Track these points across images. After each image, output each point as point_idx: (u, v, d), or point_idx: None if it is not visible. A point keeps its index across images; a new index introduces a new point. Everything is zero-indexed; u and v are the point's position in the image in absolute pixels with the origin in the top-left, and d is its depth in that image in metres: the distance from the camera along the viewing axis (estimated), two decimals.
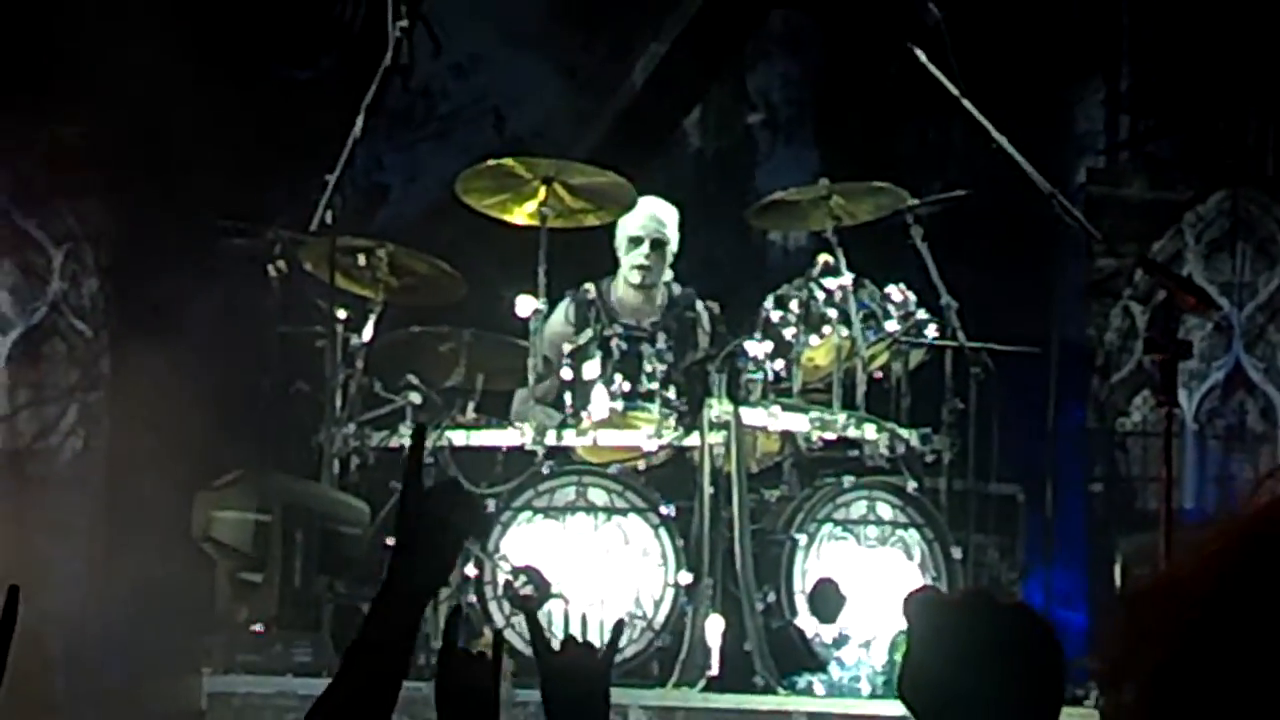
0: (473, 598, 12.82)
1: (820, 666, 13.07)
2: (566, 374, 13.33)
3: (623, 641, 12.56)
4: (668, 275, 14.12)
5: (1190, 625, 2.51)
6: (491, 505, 13.00)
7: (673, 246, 14.14)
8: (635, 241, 14.03)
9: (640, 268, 14.01)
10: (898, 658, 12.86)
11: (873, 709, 12.61)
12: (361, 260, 13.55)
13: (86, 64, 14.14)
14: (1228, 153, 16.06)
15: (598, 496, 13.13)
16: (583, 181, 13.59)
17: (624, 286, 14.14)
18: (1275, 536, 2.54)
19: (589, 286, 14.22)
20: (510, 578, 12.86)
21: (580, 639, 6.12)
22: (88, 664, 11.76)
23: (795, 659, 13.06)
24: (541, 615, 12.69)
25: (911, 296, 13.59)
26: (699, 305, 14.26)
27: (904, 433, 13.61)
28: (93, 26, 14.07)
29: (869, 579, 13.23)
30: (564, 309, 14.12)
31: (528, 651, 12.44)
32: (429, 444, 13.31)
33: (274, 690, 12.46)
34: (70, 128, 14.33)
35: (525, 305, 13.38)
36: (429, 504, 5.41)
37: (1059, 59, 16.44)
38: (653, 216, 14.10)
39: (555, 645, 5.85)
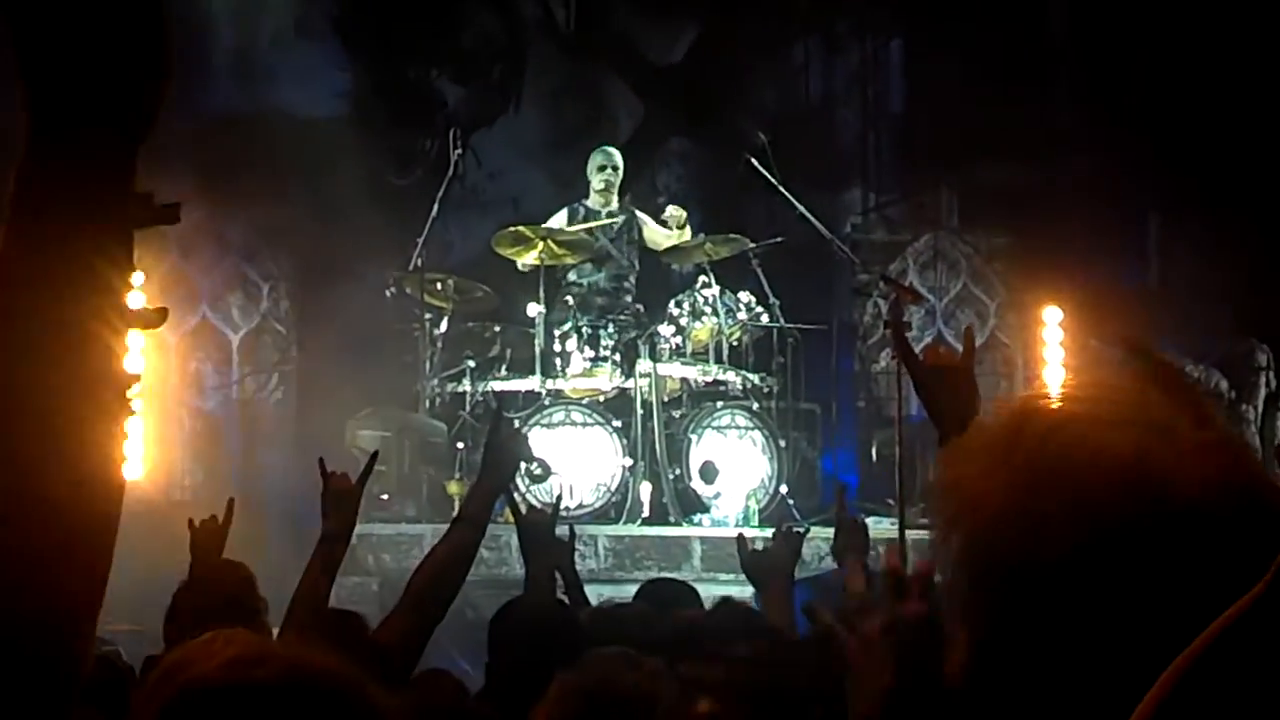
0: None
1: (705, 510, 13.05)
2: (557, 346, 13.33)
3: (590, 498, 12.73)
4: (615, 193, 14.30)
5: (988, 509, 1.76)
6: (518, 422, 13.00)
7: (620, 171, 14.25)
8: (600, 168, 14.13)
9: (603, 180, 14.10)
10: (751, 503, 12.93)
11: (733, 533, 12.53)
12: (439, 286, 13.50)
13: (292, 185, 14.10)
14: (929, 215, 16.04)
15: (577, 416, 13.09)
16: (563, 239, 13.57)
17: (593, 195, 14.15)
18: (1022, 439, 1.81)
19: (576, 205, 14.18)
20: (528, 464, 12.85)
21: (539, 505, 6.39)
22: (291, 515, 11.70)
23: (691, 506, 13.04)
24: (546, 485, 12.74)
25: (753, 298, 13.57)
26: (636, 211, 14.35)
27: (751, 375, 13.61)
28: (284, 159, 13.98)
29: (732, 459, 13.21)
30: (564, 213, 14.11)
31: (537, 505, 12.52)
32: (481, 389, 13.37)
33: (393, 532, 12.44)
34: (273, 211, 14.24)
35: (532, 308, 13.36)
36: (502, 439, 5.57)
37: (834, 166, 16.39)
38: (607, 153, 14.27)
39: (524, 509, 6.07)
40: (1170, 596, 1.68)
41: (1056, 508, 1.73)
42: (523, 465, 12.62)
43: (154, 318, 1.83)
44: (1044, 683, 1.74)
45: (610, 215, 14.11)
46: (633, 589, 11.04)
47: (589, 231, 13.90)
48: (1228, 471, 1.73)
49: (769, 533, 12.40)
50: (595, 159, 14.25)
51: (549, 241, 13.41)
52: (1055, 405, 1.83)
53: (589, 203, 14.18)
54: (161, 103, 1.77)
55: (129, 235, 1.75)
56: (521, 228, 13.49)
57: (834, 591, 10.59)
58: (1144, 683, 1.58)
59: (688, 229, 13.92)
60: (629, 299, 14.04)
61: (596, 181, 14.14)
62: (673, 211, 13.96)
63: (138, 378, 1.76)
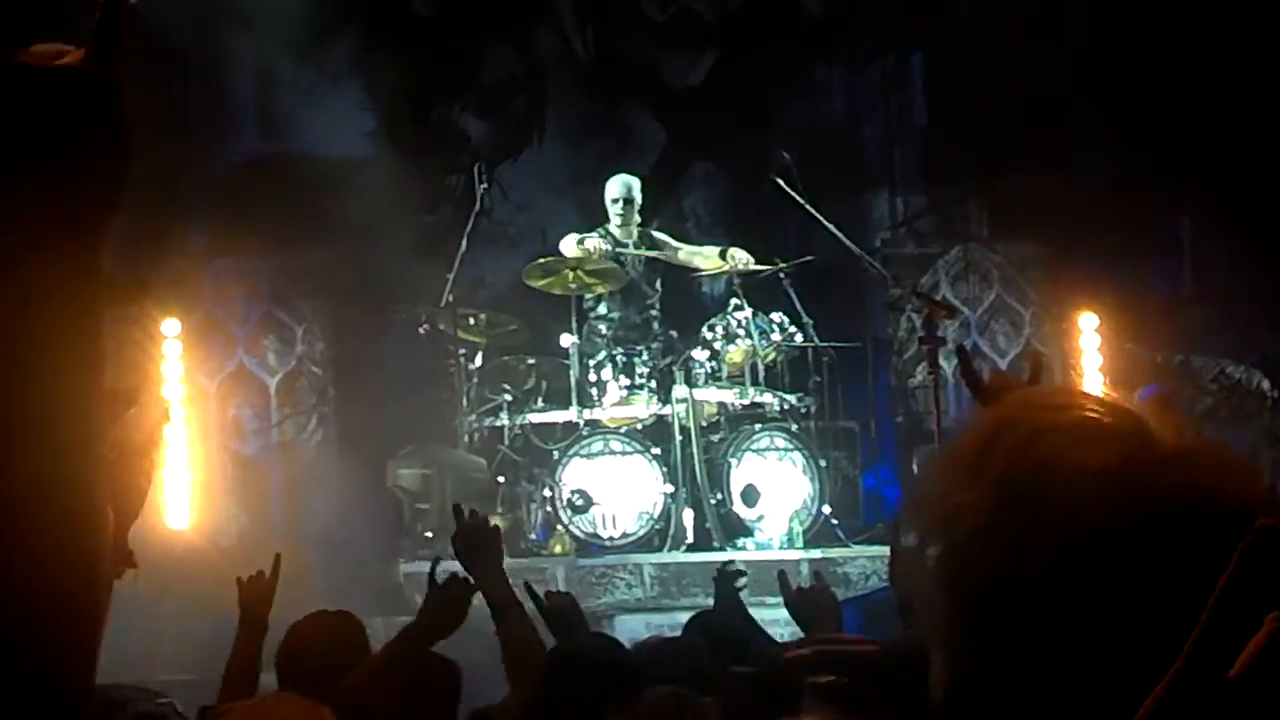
0: (549, 508, 12.88)
1: (749, 533, 13.08)
2: (592, 376, 13.37)
3: (633, 526, 12.78)
4: (637, 219, 14.07)
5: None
6: (557, 454, 13.08)
7: (638, 202, 14.04)
8: (613, 200, 13.94)
9: (620, 214, 13.91)
10: (794, 525, 12.95)
11: (779, 556, 12.54)
12: (471, 321, 13.58)
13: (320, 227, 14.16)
14: (959, 226, 16.03)
15: (616, 445, 13.14)
16: (593, 268, 13.60)
17: (613, 225, 13.93)
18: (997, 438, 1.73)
19: (604, 230, 13.97)
20: (570, 494, 12.90)
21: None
22: (337, 557, 11.74)
23: (735, 530, 13.06)
24: (588, 516, 12.83)
25: (785, 319, 13.61)
26: (655, 235, 14.20)
27: (788, 396, 13.64)
28: (310, 202, 14.03)
29: (774, 481, 13.24)
30: (588, 236, 13.85)
31: (581, 536, 12.59)
32: (519, 422, 13.41)
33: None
34: (303, 254, 14.35)
35: (566, 339, 13.42)
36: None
37: (861, 182, 16.44)
38: (625, 184, 14.07)
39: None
40: (1155, 609, 1.62)
41: (1038, 521, 1.67)
42: (564, 493, 12.74)
43: (129, 398, 1.86)
44: (1028, 702, 1.67)
45: (635, 245, 14.07)
46: (682, 616, 11.07)
47: (618, 260, 13.85)
48: (1209, 479, 1.69)
49: (814, 554, 12.52)
50: (609, 190, 14.09)
51: (579, 271, 13.45)
52: (1027, 416, 1.76)
53: (613, 229, 14.09)
54: (122, 187, 1.78)
55: (99, 321, 1.77)
56: (552, 259, 13.53)
57: (881, 611, 10.61)
58: (1129, 699, 1.55)
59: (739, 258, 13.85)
60: (657, 326, 14.02)
61: (613, 213, 14.02)
62: (737, 254, 13.84)
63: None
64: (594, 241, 13.65)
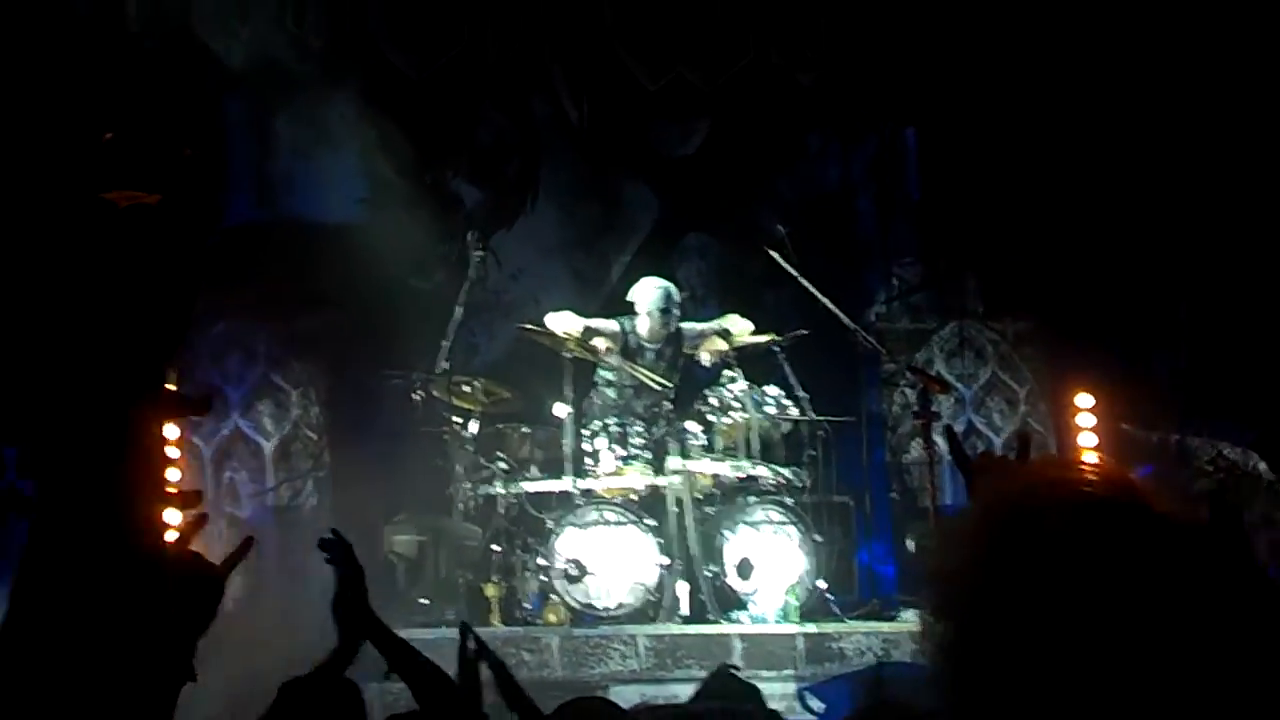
0: (544, 577, 12.97)
1: (744, 606, 13.18)
2: (587, 446, 13.51)
3: (628, 597, 12.87)
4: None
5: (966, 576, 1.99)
6: (550, 523, 13.19)
7: (676, 314, 14.25)
8: (662, 310, 14.18)
9: (665, 321, 14.15)
10: (790, 599, 13.07)
11: (774, 630, 12.71)
12: (466, 388, 13.70)
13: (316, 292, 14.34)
14: (954, 302, 16.13)
15: (610, 515, 13.25)
16: (585, 337, 13.75)
17: (647, 325, 14.19)
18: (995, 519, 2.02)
19: (629, 325, 14.28)
20: (565, 564, 13.00)
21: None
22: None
23: (729, 603, 13.17)
24: (582, 586, 12.92)
25: (780, 392, 13.75)
26: (682, 328, 14.37)
27: (782, 470, 13.77)
28: (307, 267, 14.21)
29: (768, 554, 13.35)
30: (616, 325, 14.24)
31: (575, 606, 12.64)
32: (513, 491, 13.53)
33: (434, 637, 12.46)
34: (299, 319, 14.53)
35: (560, 409, 13.55)
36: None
37: (855, 255, 16.57)
38: (666, 293, 14.25)
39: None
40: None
41: (1028, 585, 1.97)
42: (559, 563, 12.86)
43: (185, 500, 2.33)
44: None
45: (659, 354, 14.25)
46: (676, 688, 11.21)
47: (631, 361, 14.04)
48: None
49: (810, 628, 12.64)
50: (649, 296, 14.25)
51: (575, 344, 13.64)
52: (1017, 494, 2.04)
53: (639, 327, 14.26)
54: (187, 328, 2.16)
55: (161, 427, 2.16)
56: (540, 331, 13.76)
57: (873, 687, 10.75)
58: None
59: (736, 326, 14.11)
60: (659, 410, 14.15)
61: (658, 320, 14.19)
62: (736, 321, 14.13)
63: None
64: (604, 342, 13.85)
